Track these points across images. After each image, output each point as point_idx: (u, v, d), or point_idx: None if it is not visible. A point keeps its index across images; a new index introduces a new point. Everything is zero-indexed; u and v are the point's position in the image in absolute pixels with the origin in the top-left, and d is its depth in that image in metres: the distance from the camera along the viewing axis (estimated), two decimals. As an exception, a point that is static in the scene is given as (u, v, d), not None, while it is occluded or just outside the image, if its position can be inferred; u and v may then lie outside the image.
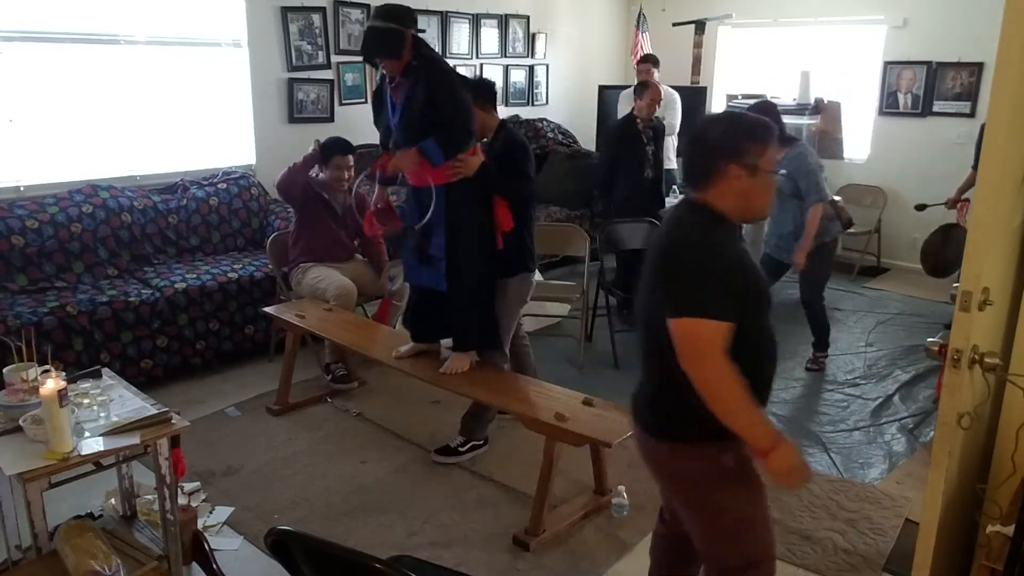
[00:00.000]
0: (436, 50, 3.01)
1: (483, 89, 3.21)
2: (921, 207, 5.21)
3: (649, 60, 5.82)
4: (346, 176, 4.10)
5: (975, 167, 4.83)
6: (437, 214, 2.98)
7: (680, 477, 1.86)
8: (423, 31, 2.97)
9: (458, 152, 2.93)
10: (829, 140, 6.00)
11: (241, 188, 4.74)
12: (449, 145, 2.89)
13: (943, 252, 4.76)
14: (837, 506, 3.02)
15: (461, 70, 5.85)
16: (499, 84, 6.50)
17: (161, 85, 4.51)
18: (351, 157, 4.10)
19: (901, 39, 6.19)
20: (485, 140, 3.19)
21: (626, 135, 4.86)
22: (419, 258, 3.11)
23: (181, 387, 3.98)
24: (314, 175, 4.11)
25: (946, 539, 1.98)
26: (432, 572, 2.10)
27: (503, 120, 3.23)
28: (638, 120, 4.84)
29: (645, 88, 4.84)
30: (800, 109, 6.24)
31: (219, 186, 4.67)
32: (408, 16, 2.90)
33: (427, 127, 2.88)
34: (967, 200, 4.90)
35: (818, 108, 6.06)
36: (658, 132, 4.97)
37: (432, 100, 2.86)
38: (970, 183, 4.88)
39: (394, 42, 2.84)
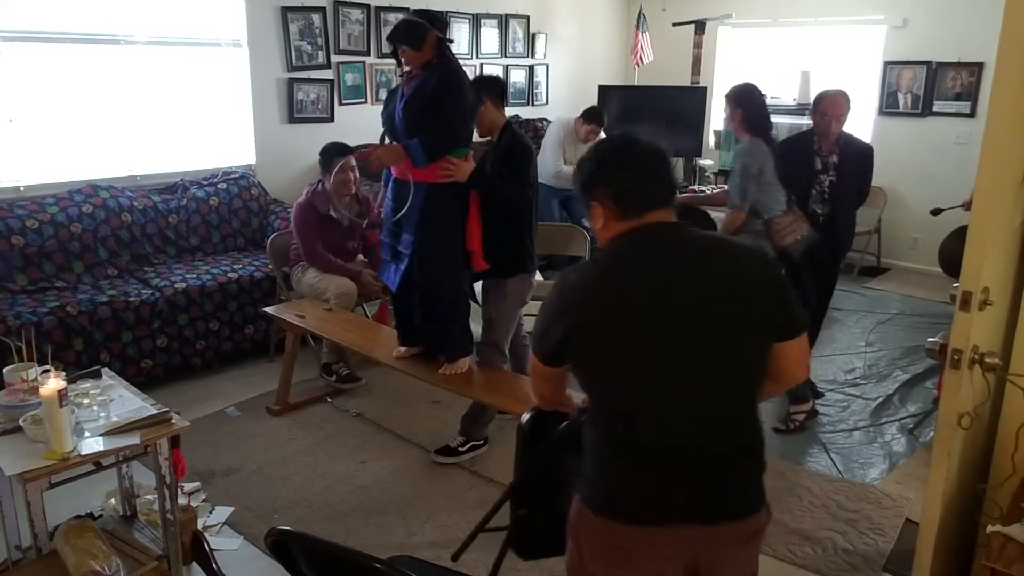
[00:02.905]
0: (456, 58, 3.05)
1: (493, 85, 3.22)
2: (937, 211, 5.20)
3: (593, 119, 5.47)
4: (352, 178, 4.08)
5: None
6: (412, 210, 2.99)
7: (761, 542, 1.60)
8: (451, 40, 3.03)
9: (439, 156, 2.94)
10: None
11: (241, 188, 4.74)
12: (434, 149, 2.91)
13: (955, 250, 4.76)
14: (837, 506, 3.01)
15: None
16: (499, 84, 6.52)
17: (161, 85, 4.51)
18: (352, 157, 4.09)
19: (901, 39, 6.19)
20: (489, 138, 3.21)
21: (795, 154, 3.65)
22: (392, 254, 3.14)
23: (181, 387, 3.98)
24: (318, 190, 4.07)
25: (946, 539, 1.98)
26: (432, 572, 2.10)
27: (508, 120, 3.23)
28: (817, 138, 3.64)
29: (820, 100, 3.60)
30: (800, 109, 6.24)
31: (219, 186, 4.67)
32: (438, 19, 2.99)
33: (427, 120, 2.90)
34: None
35: (818, 108, 6.06)
36: (851, 159, 3.64)
37: (436, 96, 2.89)
38: None
39: (416, 32, 2.90)
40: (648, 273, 1.47)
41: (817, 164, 3.65)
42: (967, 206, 5.05)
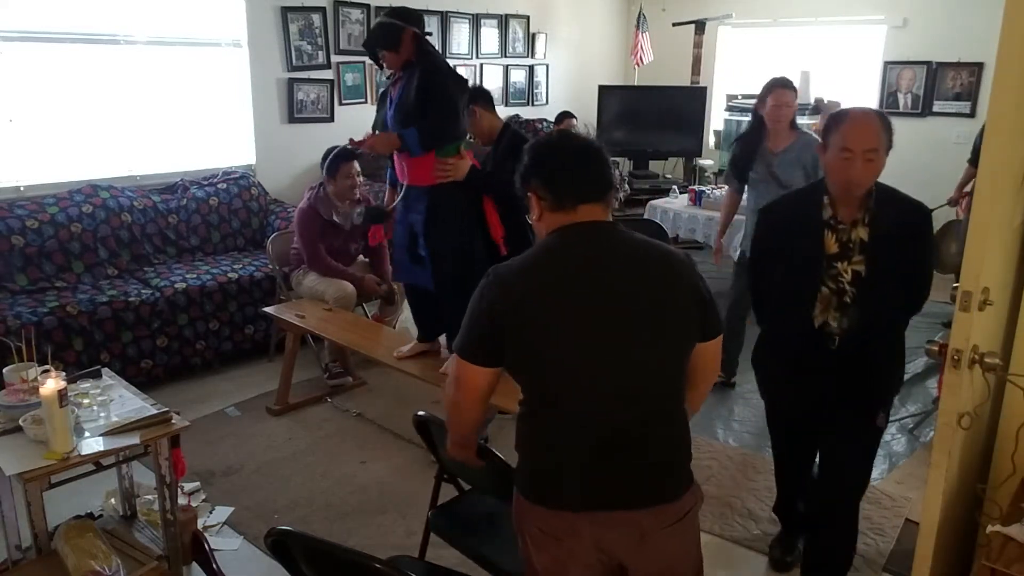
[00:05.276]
0: (438, 50, 3.04)
1: (478, 92, 3.25)
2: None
3: (563, 117, 5.68)
4: (357, 182, 4.10)
5: (971, 163, 4.89)
6: (418, 215, 3.01)
7: (694, 523, 1.65)
8: (429, 33, 3.03)
9: (437, 146, 2.93)
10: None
11: (241, 188, 4.74)
12: (428, 138, 2.90)
13: (944, 247, 4.78)
14: (837, 506, 3.01)
15: (461, 70, 5.86)
16: (499, 84, 6.53)
17: (161, 85, 4.51)
18: (356, 162, 4.10)
19: (901, 39, 6.19)
20: (480, 143, 3.23)
21: (788, 224, 2.24)
22: (410, 257, 3.13)
23: (181, 387, 3.98)
24: (320, 195, 4.07)
25: (946, 539, 1.98)
26: (432, 572, 2.10)
27: (506, 122, 3.26)
28: (829, 198, 2.15)
29: (837, 121, 2.15)
30: (800, 109, 6.25)
31: (219, 186, 4.67)
32: (412, 16, 2.97)
33: (416, 118, 2.90)
34: (967, 193, 4.97)
35: (818, 108, 6.07)
36: (892, 235, 2.12)
37: (420, 90, 2.88)
38: (968, 178, 4.95)
39: (391, 34, 2.91)
40: (578, 265, 1.51)
41: (829, 243, 2.13)
42: (952, 202, 5.07)
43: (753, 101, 6.54)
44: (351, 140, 3.06)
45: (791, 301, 2.22)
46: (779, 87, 3.71)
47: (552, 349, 1.50)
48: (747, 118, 6.39)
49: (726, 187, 3.90)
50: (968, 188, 4.99)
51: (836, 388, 2.20)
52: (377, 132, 3.02)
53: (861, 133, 2.06)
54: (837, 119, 2.10)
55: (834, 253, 2.14)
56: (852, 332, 2.16)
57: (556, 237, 1.55)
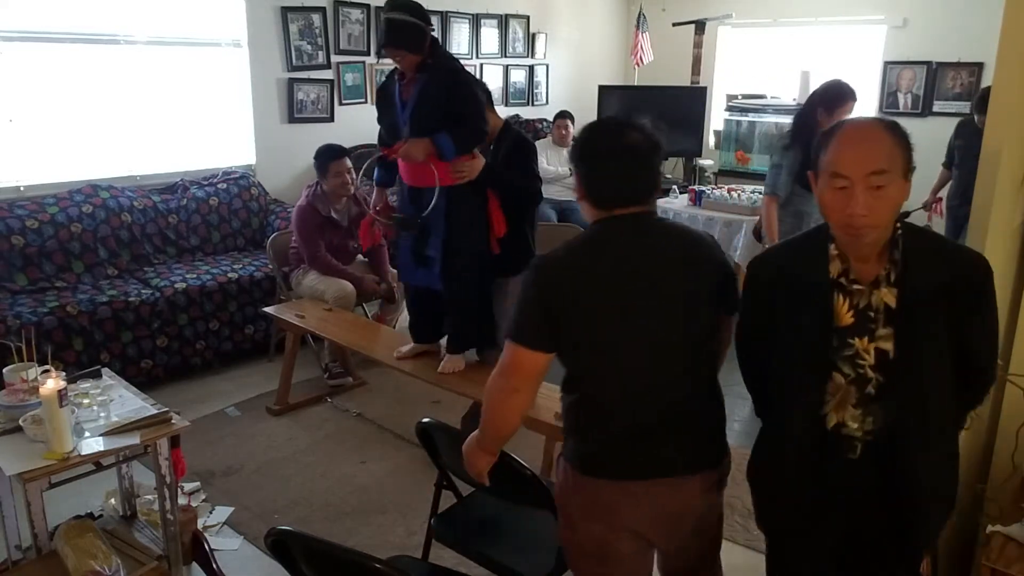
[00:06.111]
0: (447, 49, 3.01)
1: (484, 91, 3.24)
2: (905, 214, 5.23)
3: (560, 117, 5.93)
4: (348, 179, 4.07)
5: (945, 165, 4.85)
6: (436, 214, 2.98)
7: (724, 488, 1.76)
8: (433, 29, 2.99)
9: (469, 149, 2.93)
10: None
11: (241, 188, 4.74)
12: (463, 142, 2.89)
13: None
14: (837, 506, 3.01)
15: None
16: (499, 84, 6.53)
17: (161, 85, 4.51)
18: (347, 159, 4.09)
19: (901, 39, 6.19)
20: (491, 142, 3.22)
21: (785, 291, 1.57)
22: (415, 259, 3.11)
23: (181, 387, 3.98)
24: (318, 192, 4.07)
25: (946, 539, 1.98)
26: (432, 572, 2.10)
27: (507, 120, 3.25)
28: (837, 246, 1.51)
29: (831, 136, 1.48)
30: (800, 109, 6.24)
31: (219, 186, 4.67)
32: (427, 13, 2.90)
33: (440, 124, 2.87)
34: (940, 199, 4.94)
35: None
36: (927, 292, 1.46)
37: (450, 98, 2.85)
38: (942, 181, 4.91)
39: (417, 36, 2.82)
40: (617, 257, 1.56)
41: (841, 311, 1.51)
42: (927, 206, 5.04)
43: (754, 101, 6.59)
44: (383, 149, 3.03)
45: (791, 393, 1.58)
46: (852, 100, 3.53)
47: (596, 336, 1.55)
48: (748, 118, 6.42)
49: (767, 195, 3.63)
50: (942, 193, 4.96)
51: (858, 520, 1.57)
52: (407, 139, 2.93)
53: (858, 151, 1.41)
54: (827, 136, 1.46)
55: (848, 325, 1.50)
56: (881, 436, 1.51)
57: (596, 230, 1.59)
